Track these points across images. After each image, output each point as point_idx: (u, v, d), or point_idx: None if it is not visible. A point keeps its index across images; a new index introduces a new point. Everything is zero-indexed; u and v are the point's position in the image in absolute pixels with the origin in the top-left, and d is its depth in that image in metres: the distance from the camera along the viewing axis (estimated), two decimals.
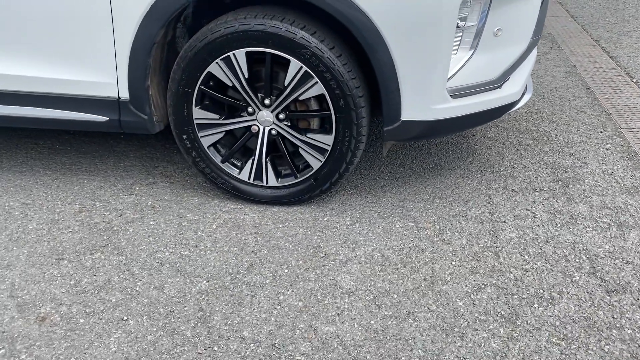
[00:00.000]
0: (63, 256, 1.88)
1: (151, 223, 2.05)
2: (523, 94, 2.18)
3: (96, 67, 1.99)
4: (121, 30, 1.90)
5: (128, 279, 1.77)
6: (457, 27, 1.82)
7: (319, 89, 1.90)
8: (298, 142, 2.02)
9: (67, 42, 1.96)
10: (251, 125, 2.04)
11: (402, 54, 1.80)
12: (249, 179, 2.12)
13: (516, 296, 1.70)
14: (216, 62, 1.92)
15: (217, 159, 2.12)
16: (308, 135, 2.01)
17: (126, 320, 1.61)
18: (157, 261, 1.85)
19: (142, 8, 1.85)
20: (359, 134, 1.95)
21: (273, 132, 2.04)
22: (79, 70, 2.00)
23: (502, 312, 1.64)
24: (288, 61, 1.88)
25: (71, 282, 1.76)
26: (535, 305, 1.67)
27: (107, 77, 2.00)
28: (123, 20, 1.88)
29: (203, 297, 1.69)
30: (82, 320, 1.61)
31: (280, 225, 2.03)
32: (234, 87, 1.97)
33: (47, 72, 2.02)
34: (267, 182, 2.11)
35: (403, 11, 1.75)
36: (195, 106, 2.01)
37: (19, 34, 1.97)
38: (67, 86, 2.04)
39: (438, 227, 2.01)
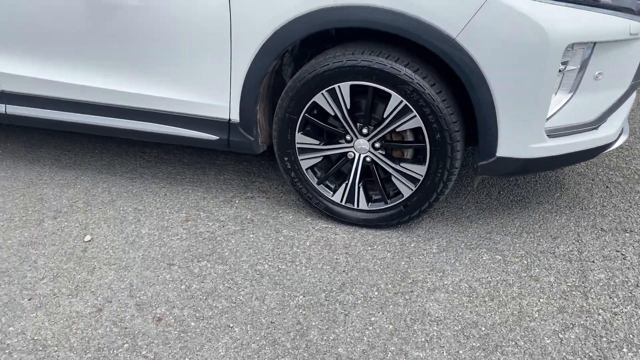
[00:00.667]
0: (173, 262, 2.08)
1: (251, 236, 2.22)
2: (619, 135, 2.18)
3: (212, 92, 2.18)
4: (238, 61, 2.09)
5: (232, 288, 1.94)
6: (559, 70, 1.86)
7: (416, 122, 2.00)
8: (391, 170, 2.13)
9: (189, 69, 2.17)
10: (348, 152, 2.17)
11: (503, 94, 1.87)
12: (341, 201, 2.25)
13: (605, 339, 1.72)
14: (322, 93, 2.06)
15: (314, 180, 2.26)
16: (401, 164, 2.11)
17: (232, 327, 1.77)
18: (258, 273, 2.01)
19: (259, 41, 2.03)
20: (452, 166, 2.03)
21: (368, 159, 2.16)
22: (197, 93, 2.21)
23: (590, 354, 1.67)
24: (388, 94, 2.00)
25: (182, 287, 1.95)
26: (625, 350, 1.68)
27: (221, 101, 2.19)
28: (240, 52, 2.06)
29: (300, 311, 1.83)
30: (193, 324, 1.79)
31: (369, 248, 2.14)
32: (335, 116, 2.10)
33: (168, 93, 2.24)
34: (358, 205, 2.23)
35: (507, 54, 1.82)
36: (299, 131, 2.17)
37: (148, 59, 2.20)
38: (185, 106, 2.25)
39: (526, 262, 2.06)
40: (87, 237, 2.21)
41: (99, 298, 1.90)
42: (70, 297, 1.90)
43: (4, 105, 2.51)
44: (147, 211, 2.40)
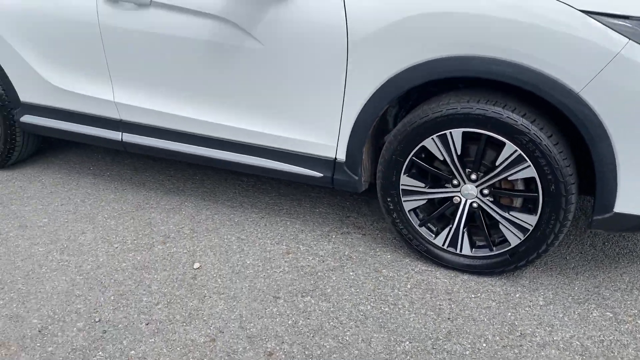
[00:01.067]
0: (279, 295, 2.14)
1: (351, 274, 2.26)
2: None
3: (321, 132, 2.26)
4: (350, 104, 2.15)
5: (338, 327, 1.97)
6: None
7: (530, 172, 1.98)
8: (499, 218, 2.11)
9: (300, 109, 2.25)
10: (454, 196, 2.17)
11: (626, 150, 1.83)
12: (443, 244, 2.25)
13: None
14: (432, 138, 2.08)
15: (415, 222, 2.27)
16: (511, 212, 2.09)
17: None
18: (362, 314, 2.03)
19: (373, 87, 2.08)
20: (565, 218, 1.99)
21: (474, 205, 2.15)
22: (306, 132, 2.29)
23: None
24: (501, 142, 1.99)
25: (289, 322, 2.00)
26: None
27: (329, 141, 2.26)
28: (354, 95, 2.13)
29: (408, 357, 1.84)
30: None
31: (473, 296, 2.13)
32: (444, 160, 2.12)
33: (278, 131, 2.34)
34: (460, 250, 2.22)
35: (633, 110, 1.78)
36: (404, 174, 2.19)
37: (261, 98, 2.31)
38: (293, 144, 2.33)
39: None
40: (196, 265, 2.31)
41: (211, 327, 1.98)
42: (184, 324, 1.99)
43: (120, 133, 2.69)
44: (250, 241, 2.48)
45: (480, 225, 2.18)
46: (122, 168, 3.20)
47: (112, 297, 2.13)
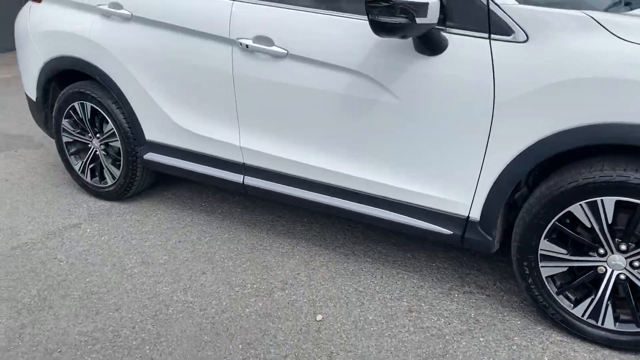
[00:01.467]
0: (408, 358, 2.07)
1: (481, 339, 2.16)
2: None
3: (455, 189, 2.20)
4: (491, 164, 2.08)
5: None
6: None
7: None
8: None
9: (435, 165, 2.21)
10: (598, 266, 2.05)
11: None
12: (582, 315, 2.11)
13: None
14: (580, 204, 1.98)
15: (553, 289, 2.15)
16: None
17: None
18: None
19: (519, 148, 2.01)
20: None
21: (622, 276, 2.02)
22: (438, 189, 2.23)
23: None
24: None
25: None
26: None
27: (463, 199, 2.20)
28: (496, 155, 2.06)
29: None
30: None
31: None
32: (591, 228, 2.00)
33: (408, 185, 2.30)
34: (602, 324, 2.08)
35: None
36: (544, 238, 2.09)
37: (394, 152, 2.28)
38: (423, 199, 2.28)
39: None
40: (319, 317, 2.29)
41: None
42: None
43: (242, 176, 2.74)
44: (369, 294, 2.44)
45: (627, 298, 2.04)
46: (232, 206, 3.26)
47: (240, 346, 2.13)
